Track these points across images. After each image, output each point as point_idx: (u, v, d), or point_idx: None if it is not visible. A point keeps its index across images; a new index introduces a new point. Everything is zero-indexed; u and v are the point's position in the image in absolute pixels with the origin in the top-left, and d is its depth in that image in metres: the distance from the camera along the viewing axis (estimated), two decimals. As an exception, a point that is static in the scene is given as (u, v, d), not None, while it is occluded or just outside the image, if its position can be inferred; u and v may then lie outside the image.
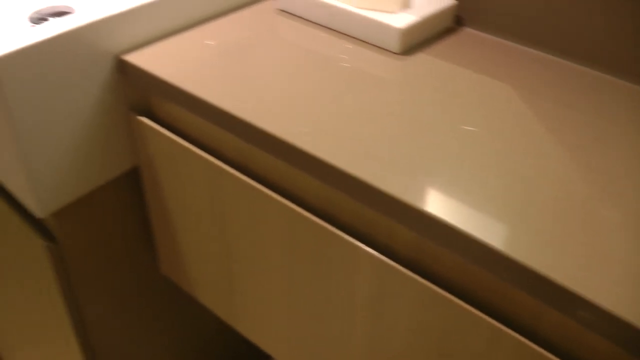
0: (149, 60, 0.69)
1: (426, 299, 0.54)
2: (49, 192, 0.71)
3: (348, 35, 0.73)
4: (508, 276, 0.47)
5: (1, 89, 0.61)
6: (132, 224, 0.85)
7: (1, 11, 0.89)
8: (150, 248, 0.89)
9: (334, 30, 0.74)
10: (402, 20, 0.69)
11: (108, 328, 0.90)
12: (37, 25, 0.86)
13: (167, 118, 0.72)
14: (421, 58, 0.69)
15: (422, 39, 0.72)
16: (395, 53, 0.70)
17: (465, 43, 0.73)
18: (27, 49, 0.62)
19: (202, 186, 0.70)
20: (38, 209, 0.71)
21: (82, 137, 0.71)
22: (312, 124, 0.59)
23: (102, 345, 0.91)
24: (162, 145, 0.72)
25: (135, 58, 0.69)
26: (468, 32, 0.76)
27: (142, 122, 0.72)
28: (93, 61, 0.68)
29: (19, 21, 0.88)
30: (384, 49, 0.71)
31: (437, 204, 0.50)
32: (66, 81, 0.66)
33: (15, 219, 0.82)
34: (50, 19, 0.88)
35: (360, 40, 0.72)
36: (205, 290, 0.82)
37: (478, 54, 0.71)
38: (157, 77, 0.66)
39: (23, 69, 0.62)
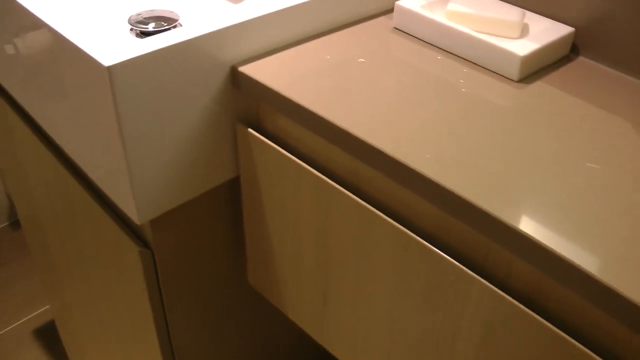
0: (263, 72, 0.68)
1: (540, 338, 0.52)
2: (149, 200, 0.71)
3: (464, 59, 0.72)
4: (631, 322, 0.45)
5: (114, 95, 0.61)
6: (224, 233, 0.85)
7: (101, 13, 0.90)
8: (239, 258, 0.89)
9: (450, 53, 0.73)
10: (523, 47, 0.68)
11: (191, 337, 0.90)
12: (135, 29, 0.87)
13: (276, 132, 0.71)
14: (540, 87, 0.68)
15: (540, 66, 0.71)
16: (513, 80, 0.68)
17: (581, 73, 0.71)
18: (145, 57, 0.62)
19: (306, 202, 0.70)
20: (137, 216, 0.71)
21: (187, 147, 0.71)
22: (434, 149, 0.57)
23: (184, 353, 0.91)
24: (269, 158, 0.71)
25: (250, 70, 0.69)
26: (583, 61, 0.74)
27: (250, 134, 0.72)
28: (208, 71, 0.68)
29: (119, 23, 0.89)
30: (501, 75, 0.69)
31: (560, 242, 0.48)
32: (178, 90, 0.66)
33: (111, 224, 0.82)
34: (151, 23, 0.88)
35: (477, 65, 0.71)
36: (296, 305, 0.81)
37: (595, 86, 0.69)
38: (271, 89, 0.66)
39: (138, 76, 0.62)
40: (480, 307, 0.56)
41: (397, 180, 0.58)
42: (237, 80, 0.70)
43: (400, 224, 0.61)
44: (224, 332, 0.97)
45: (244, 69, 0.69)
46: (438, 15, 0.73)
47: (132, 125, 0.64)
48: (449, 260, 0.57)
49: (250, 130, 0.72)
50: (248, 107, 0.73)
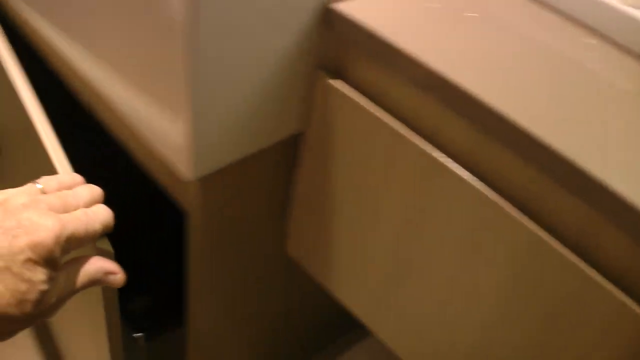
0: (364, 13, 0.56)
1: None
2: (207, 152, 0.58)
3: (586, 26, 0.61)
4: None
5: (196, 20, 0.48)
6: (269, 197, 0.73)
7: None
8: (279, 227, 0.77)
9: (568, 16, 0.62)
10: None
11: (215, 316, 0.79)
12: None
13: (369, 88, 0.59)
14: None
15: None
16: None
17: None
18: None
19: (401, 177, 0.58)
20: (192, 170, 0.58)
21: (258, 91, 0.58)
22: (597, 145, 0.47)
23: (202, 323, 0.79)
24: (357, 118, 0.59)
25: (348, 8, 0.56)
26: None
27: (333, 87, 0.59)
28: (296, 7, 0.55)
29: None
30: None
31: None
32: (260, 26, 0.53)
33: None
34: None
35: (605, 36, 0.61)
36: (348, 286, 0.70)
37: None
38: (377, 35, 0.54)
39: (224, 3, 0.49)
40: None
41: (545, 172, 0.48)
42: (329, 20, 0.57)
43: (537, 223, 0.51)
44: (254, 307, 0.86)
45: (340, 7, 0.56)
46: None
47: (207, 59, 0.51)
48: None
49: (335, 81, 0.59)
50: (336, 54, 0.61)
